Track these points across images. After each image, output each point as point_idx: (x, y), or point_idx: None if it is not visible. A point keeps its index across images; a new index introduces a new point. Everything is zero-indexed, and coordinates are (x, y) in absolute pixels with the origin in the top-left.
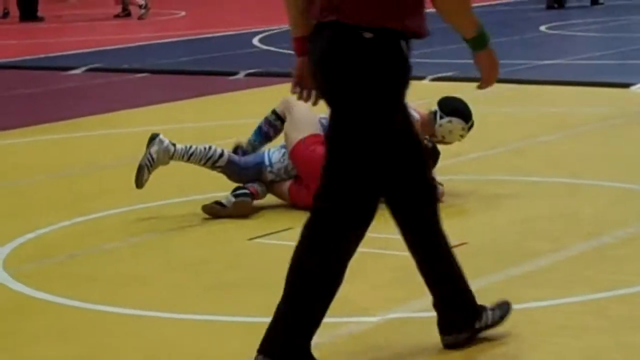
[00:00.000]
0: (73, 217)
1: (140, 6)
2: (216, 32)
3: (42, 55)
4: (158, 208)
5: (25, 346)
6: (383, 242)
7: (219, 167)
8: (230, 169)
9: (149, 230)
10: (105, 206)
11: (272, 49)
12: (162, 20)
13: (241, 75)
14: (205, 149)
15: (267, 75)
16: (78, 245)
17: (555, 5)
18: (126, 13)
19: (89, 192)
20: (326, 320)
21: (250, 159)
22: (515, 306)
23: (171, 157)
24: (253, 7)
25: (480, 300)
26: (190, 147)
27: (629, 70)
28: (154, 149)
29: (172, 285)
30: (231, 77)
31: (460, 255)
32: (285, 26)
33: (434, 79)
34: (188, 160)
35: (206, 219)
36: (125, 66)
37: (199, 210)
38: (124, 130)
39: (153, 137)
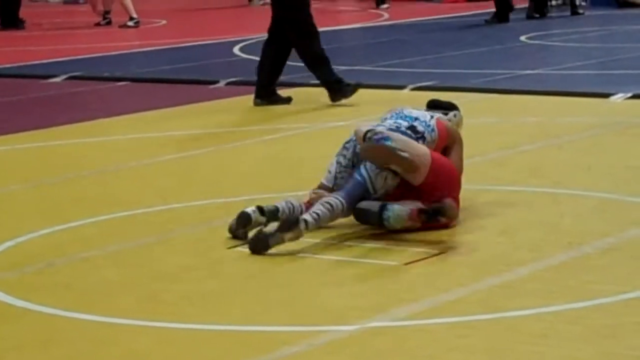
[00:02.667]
0: (52, 226)
1: (131, 18)
2: (197, 40)
3: (22, 64)
4: (137, 216)
5: (4, 354)
6: (360, 250)
7: (346, 216)
8: (351, 211)
9: (129, 239)
10: (84, 214)
11: (253, 57)
12: (143, 29)
13: (222, 83)
14: (328, 209)
15: (247, 84)
16: (57, 254)
17: (536, 15)
18: (107, 21)
19: (68, 201)
20: (303, 328)
21: (352, 190)
22: (496, 315)
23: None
24: (234, 16)
25: (460, 312)
26: (317, 215)
27: (608, 81)
28: (288, 236)
29: (151, 293)
30: (212, 86)
31: (442, 265)
32: (266, 35)
33: (414, 89)
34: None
35: (186, 226)
36: (106, 74)
37: (179, 218)
38: (105, 139)
39: (292, 223)
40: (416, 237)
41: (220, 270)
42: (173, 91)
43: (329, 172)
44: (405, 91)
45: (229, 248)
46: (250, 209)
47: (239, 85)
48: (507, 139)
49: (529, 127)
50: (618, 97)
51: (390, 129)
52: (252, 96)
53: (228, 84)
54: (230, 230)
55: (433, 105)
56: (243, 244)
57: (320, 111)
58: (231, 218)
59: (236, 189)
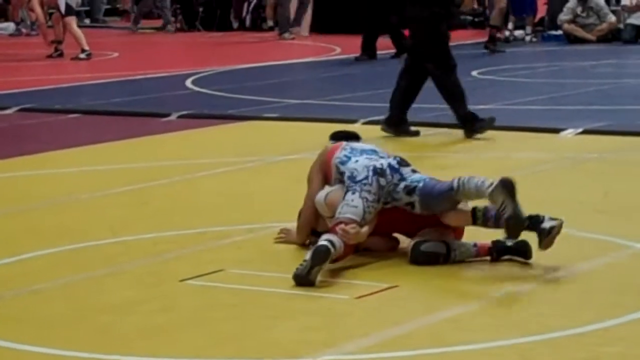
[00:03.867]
0: (1, 258)
1: (83, 51)
2: (149, 73)
3: None
4: (88, 248)
5: None
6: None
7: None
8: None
9: (79, 271)
10: (34, 247)
11: (205, 90)
12: (95, 61)
13: (174, 116)
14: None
15: (199, 117)
16: (7, 286)
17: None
18: (59, 53)
19: (18, 233)
20: None
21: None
22: (445, 349)
23: None
24: (186, 50)
25: (409, 346)
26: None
27: (559, 116)
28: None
29: (102, 326)
30: (164, 119)
31: (392, 299)
32: (218, 68)
33: (365, 122)
34: None
35: (137, 259)
36: (58, 107)
37: (129, 250)
38: (56, 171)
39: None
40: (367, 271)
41: (172, 303)
42: (125, 124)
43: (355, 206)
44: (357, 125)
45: (181, 281)
46: (325, 243)
47: (190, 118)
48: (458, 174)
49: (480, 161)
50: (568, 133)
51: (391, 164)
52: (204, 129)
53: (180, 116)
54: (302, 274)
55: (340, 137)
56: (195, 277)
57: (272, 145)
58: (181, 250)
59: (187, 222)
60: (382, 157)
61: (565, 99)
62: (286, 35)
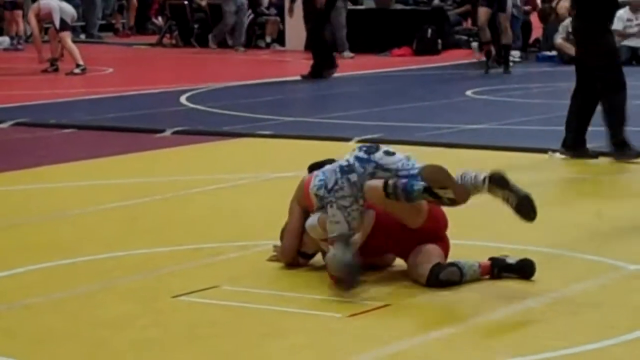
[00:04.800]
0: None
1: (78, 65)
2: (144, 89)
3: None
4: (81, 263)
5: None
6: (304, 302)
7: None
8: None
9: (72, 286)
10: (27, 261)
11: (199, 107)
12: (89, 77)
13: (168, 132)
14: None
15: (193, 133)
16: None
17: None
18: (54, 68)
19: (11, 247)
20: None
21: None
22: None
23: None
24: (180, 66)
25: None
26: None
27: (552, 136)
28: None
29: (94, 341)
30: (158, 135)
31: (383, 317)
32: (213, 85)
33: (360, 141)
34: None
35: (130, 274)
36: (52, 121)
37: (123, 265)
38: (50, 186)
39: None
40: (360, 288)
41: (165, 319)
42: (119, 139)
43: (337, 222)
44: (351, 143)
45: (174, 297)
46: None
47: (184, 134)
48: None
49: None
50: (560, 154)
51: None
52: (198, 145)
53: (174, 133)
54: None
55: (317, 167)
56: (188, 293)
57: (266, 162)
58: (175, 266)
59: (181, 238)
60: (351, 153)
61: (559, 119)
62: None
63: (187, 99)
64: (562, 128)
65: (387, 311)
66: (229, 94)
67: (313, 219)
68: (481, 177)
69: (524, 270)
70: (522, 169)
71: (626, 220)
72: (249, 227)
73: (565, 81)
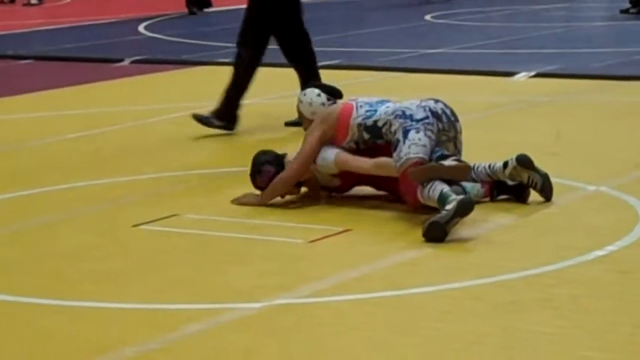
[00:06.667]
0: None
1: None
2: (101, 19)
3: None
4: (41, 195)
5: None
6: (269, 229)
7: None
8: None
9: (31, 217)
10: None
11: (158, 36)
12: (47, 7)
13: (126, 62)
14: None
15: (152, 62)
16: None
17: None
18: None
19: None
20: (208, 306)
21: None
22: (400, 292)
23: None
24: None
25: (364, 289)
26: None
27: (512, 60)
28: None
29: (54, 272)
30: (116, 64)
31: (346, 242)
32: (170, 13)
33: (320, 67)
34: None
35: (90, 205)
36: (10, 52)
37: (82, 196)
38: (8, 117)
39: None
40: (321, 215)
41: (125, 248)
42: (77, 69)
43: (423, 145)
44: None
45: (134, 226)
46: (468, 197)
47: (143, 63)
48: None
49: None
50: (522, 76)
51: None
52: (158, 74)
53: (133, 62)
54: (442, 222)
55: (333, 92)
56: (149, 222)
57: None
58: (135, 196)
59: (141, 168)
60: (430, 100)
61: (519, 42)
62: None
63: (146, 27)
64: (523, 51)
65: (348, 236)
66: (187, 22)
67: (330, 153)
68: (499, 163)
69: (519, 192)
70: (482, 92)
71: (585, 141)
72: (209, 155)
73: (525, 4)
